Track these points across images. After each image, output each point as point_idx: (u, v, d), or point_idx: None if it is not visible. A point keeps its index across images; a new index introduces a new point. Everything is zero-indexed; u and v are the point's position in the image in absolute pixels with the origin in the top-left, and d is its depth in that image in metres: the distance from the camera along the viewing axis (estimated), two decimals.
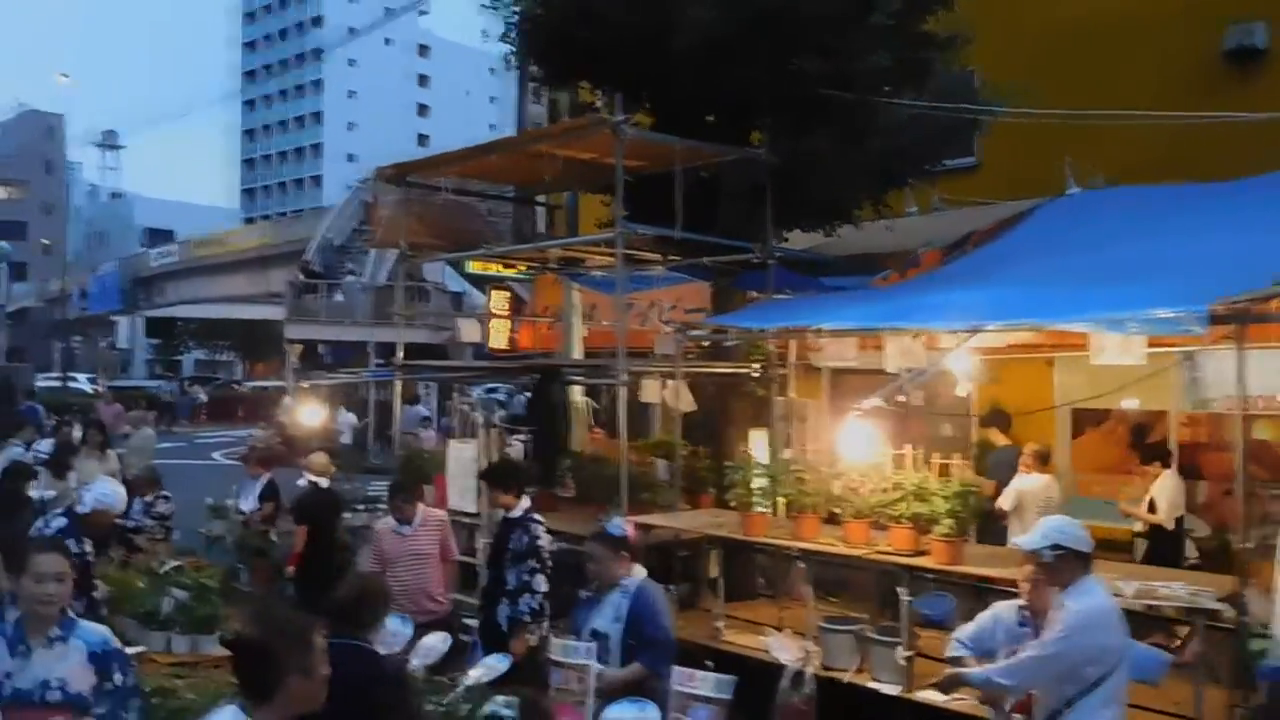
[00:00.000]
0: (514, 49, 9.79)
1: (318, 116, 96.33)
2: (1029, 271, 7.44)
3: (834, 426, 9.16)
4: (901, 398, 6.23)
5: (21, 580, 3.95)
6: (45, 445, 12.54)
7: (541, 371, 8.99)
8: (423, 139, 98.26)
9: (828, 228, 9.73)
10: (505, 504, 6.53)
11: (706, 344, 9.63)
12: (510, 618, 6.31)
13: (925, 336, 6.73)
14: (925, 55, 8.35)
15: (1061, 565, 4.44)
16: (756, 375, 8.93)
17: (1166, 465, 8.37)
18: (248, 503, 11.11)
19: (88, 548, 6.18)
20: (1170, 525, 8.20)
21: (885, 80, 8.24)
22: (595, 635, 5.10)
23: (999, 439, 9.53)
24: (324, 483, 8.50)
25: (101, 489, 6.49)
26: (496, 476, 6.80)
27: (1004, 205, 10.20)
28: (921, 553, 6.07)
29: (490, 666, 4.97)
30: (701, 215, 8.70)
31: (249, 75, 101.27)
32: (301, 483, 8.50)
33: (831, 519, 6.76)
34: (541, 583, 6.32)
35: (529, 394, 16.78)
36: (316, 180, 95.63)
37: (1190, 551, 8.42)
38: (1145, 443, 9.03)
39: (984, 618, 4.90)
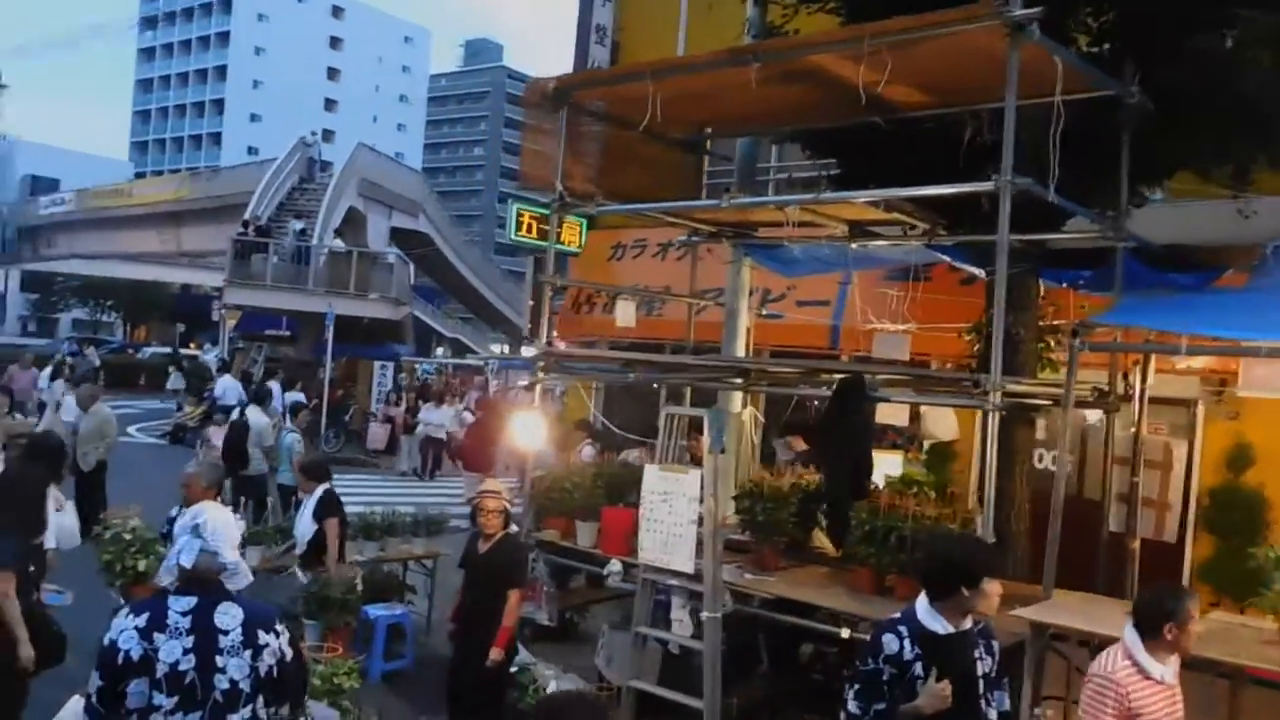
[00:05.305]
0: None
1: (221, 71, 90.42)
2: None
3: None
4: None
5: None
6: None
7: (842, 381, 6.35)
8: (330, 104, 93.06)
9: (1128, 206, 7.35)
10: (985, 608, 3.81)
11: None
12: None
13: None
14: None
15: None
16: (1093, 400, 6.53)
17: None
18: (301, 527, 8.25)
19: None
20: None
21: None
22: None
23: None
24: None
25: None
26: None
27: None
28: None
29: None
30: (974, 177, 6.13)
31: (148, 22, 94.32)
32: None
33: None
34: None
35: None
36: (215, 138, 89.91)
37: None
38: None
39: None
